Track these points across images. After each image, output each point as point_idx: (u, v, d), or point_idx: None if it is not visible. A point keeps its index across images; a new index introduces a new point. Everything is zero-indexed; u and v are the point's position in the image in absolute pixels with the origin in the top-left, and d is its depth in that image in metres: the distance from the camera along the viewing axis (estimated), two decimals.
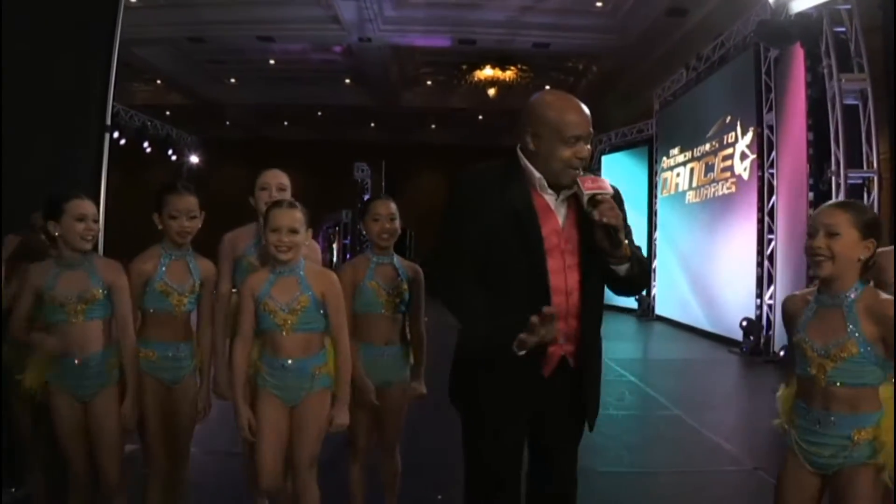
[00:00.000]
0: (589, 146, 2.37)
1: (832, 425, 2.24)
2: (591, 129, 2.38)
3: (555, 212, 2.38)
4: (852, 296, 2.24)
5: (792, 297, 2.49)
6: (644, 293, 15.10)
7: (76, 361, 2.93)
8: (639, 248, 2.44)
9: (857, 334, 2.20)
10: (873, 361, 2.20)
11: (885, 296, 2.24)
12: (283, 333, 2.87)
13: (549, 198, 2.39)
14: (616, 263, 2.30)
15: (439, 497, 3.98)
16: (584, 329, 2.39)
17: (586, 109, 2.38)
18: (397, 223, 3.36)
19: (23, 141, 3.62)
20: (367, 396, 3.21)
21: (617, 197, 2.40)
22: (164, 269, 3.06)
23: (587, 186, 2.25)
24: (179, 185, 3.23)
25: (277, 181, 3.31)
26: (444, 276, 2.45)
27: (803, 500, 2.33)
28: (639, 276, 2.40)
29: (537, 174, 2.36)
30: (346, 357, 2.98)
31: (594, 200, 2.23)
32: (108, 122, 3.78)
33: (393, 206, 3.37)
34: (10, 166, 3.55)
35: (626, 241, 2.29)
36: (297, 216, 2.87)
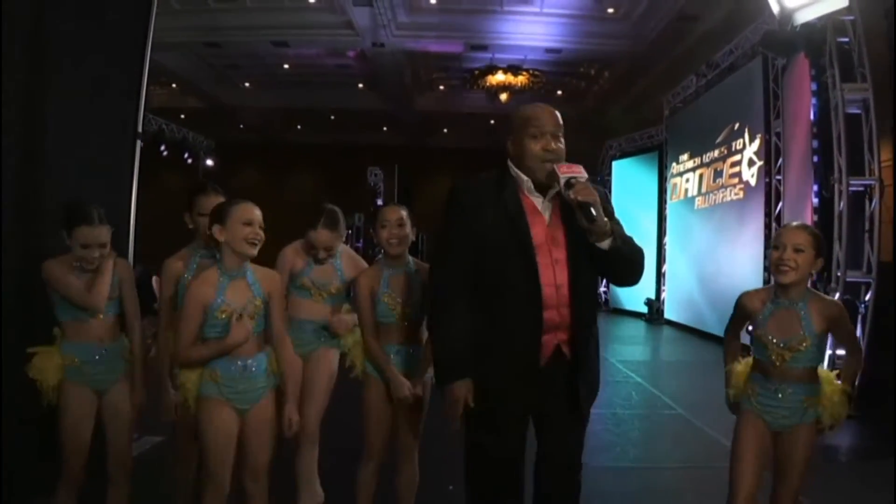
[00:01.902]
0: (559, 143, 2.60)
1: (789, 395, 2.88)
2: (559, 127, 2.62)
3: (542, 212, 2.62)
4: (804, 301, 2.87)
5: (750, 295, 3.03)
6: (653, 297, 15.24)
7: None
8: (631, 239, 2.63)
9: (811, 331, 2.84)
10: (820, 348, 2.90)
11: (827, 298, 2.97)
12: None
13: (537, 200, 2.64)
14: (597, 240, 2.48)
15: (451, 487, 4.08)
16: (575, 318, 2.59)
17: (553, 110, 2.66)
18: (407, 229, 3.31)
19: (56, 148, 3.75)
20: (402, 392, 3.19)
21: (605, 197, 2.66)
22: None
23: (562, 171, 2.50)
24: (209, 186, 3.41)
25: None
26: (437, 296, 2.67)
27: (759, 449, 2.93)
28: (628, 255, 2.58)
29: (524, 177, 2.62)
30: (292, 355, 3.10)
31: (569, 183, 2.47)
32: (140, 129, 3.94)
33: (402, 212, 3.32)
34: (43, 174, 3.69)
35: (606, 219, 2.48)
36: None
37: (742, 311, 3.05)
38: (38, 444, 3.46)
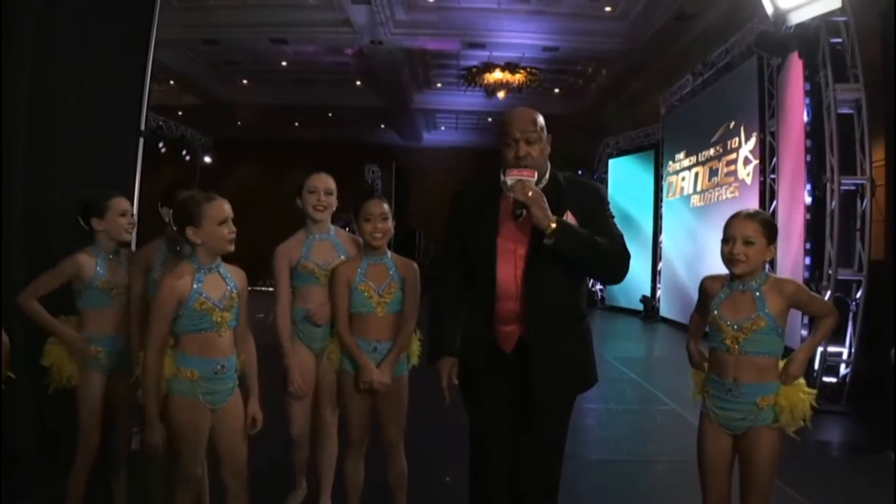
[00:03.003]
0: (530, 146, 2.74)
1: (741, 394, 2.76)
2: (532, 129, 2.75)
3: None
4: (759, 282, 2.79)
5: (711, 278, 2.98)
6: (649, 295, 15.31)
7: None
8: (619, 237, 2.79)
9: (765, 311, 2.74)
10: (777, 332, 2.76)
11: (783, 278, 2.89)
12: (221, 333, 2.89)
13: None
14: (547, 239, 2.62)
15: (447, 479, 4.16)
16: (531, 311, 2.75)
17: (529, 113, 2.80)
18: (390, 223, 3.38)
19: (60, 145, 3.81)
20: (368, 376, 3.26)
21: (597, 194, 2.90)
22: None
23: (510, 174, 2.69)
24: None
25: (325, 185, 3.64)
26: (435, 290, 2.98)
27: (719, 455, 2.83)
28: (581, 253, 2.70)
29: (503, 178, 2.77)
30: (254, 352, 3.10)
31: (511, 185, 2.66)
32: (143, 126, 3.99)
33: (385, 206, 3.39)
34: (48, 171, 3.75)
35: (550, 217, 2.61)
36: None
37: (703, 293, 2.98)
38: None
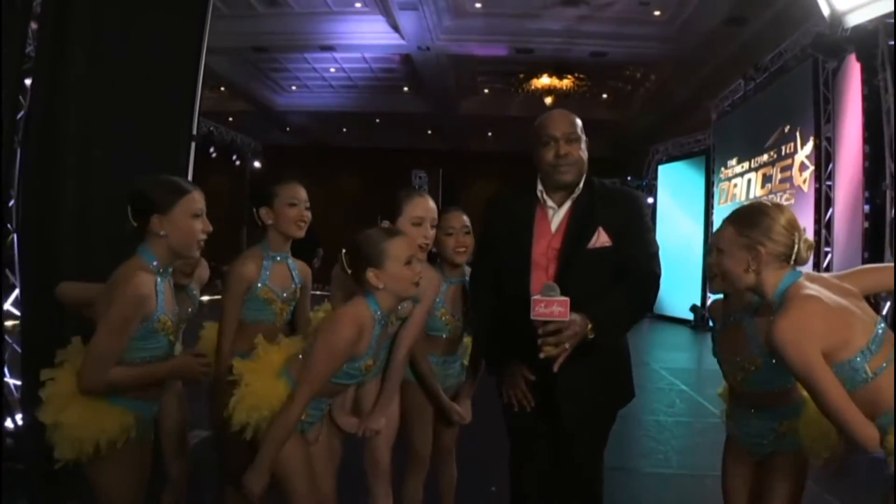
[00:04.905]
0: (571, 146, 2.64)
1: (758, 418, 2.52)
2: (571, 130, 2.65)
3: (550, 221, 2.71)
4: (751, 314, 2.47)
5: (716, 301, 2.74)
6: (699, 304, 15.04)
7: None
8: (653, 255, 2.67)
9: (759, 349, 2.41)
10: (776, 369, 2.35)
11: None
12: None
13: (550, 209, 2.72)
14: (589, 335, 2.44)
15: (493, 489, 4.13)
16: None
17: (567, 114, 2.71)
18: (471, 235, 3.11)
19: (111, 151, 3.87)
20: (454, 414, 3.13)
21: (633, 205, 2.75)
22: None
23: (537, 312, 2.35)
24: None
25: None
26: (472, 289, 2.99)
27: (742, 478, 2.59)
28: (621, 327, 2.63)
29: (539, 186, 2.72)
30: None
31: (542, 336, 2.37)
32: (194, 131, 4.04)
33: (466, 218, 3.14)
34: (101, 175, 3.81)
35: (588, 325, 2.40)
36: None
37: (714, 319, 2.76)
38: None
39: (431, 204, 2.95)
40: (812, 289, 2.00)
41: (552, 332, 2.35)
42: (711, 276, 2.33)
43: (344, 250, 2.47)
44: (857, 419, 1.89)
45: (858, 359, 1.91)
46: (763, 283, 2.11)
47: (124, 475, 2.40)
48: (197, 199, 2.41)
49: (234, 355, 2.62)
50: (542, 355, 2.38)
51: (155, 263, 2.36)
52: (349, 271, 2.44)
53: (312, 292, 3.21)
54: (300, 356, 2.45)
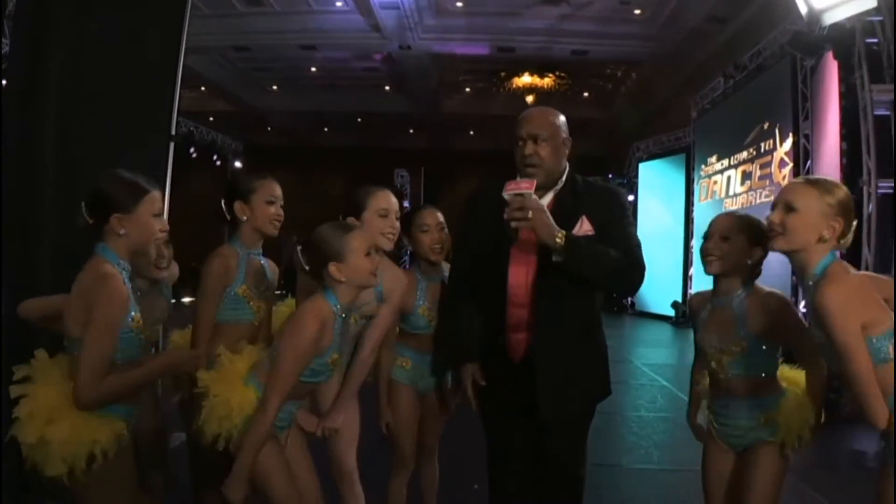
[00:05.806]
0: (537, 146, 2.65)
1: (738, 410, 2.53)
2: (540, 131, 2.66)
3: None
4: (741, 296, 2.52)
5: (696, 295, 2.78)
6: (680, 300, 15.13)
7: None
8: (635, 248, 2.67)
9: (745, 331, 2.47)
10: (764, 354, 2.49)
11: (768, 289, 2.54)
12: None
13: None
14: (555, 256, 2.50)
15: (475, 486, 4.13)
16: (538, 319, 2.65)
17: (544, 112, 2.74)
18: (446, 232, 3.16)
19: (89, 151, 3.83)
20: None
21: (615, 200, 2.79)
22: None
23: (508, 189, 2.51)
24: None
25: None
26: (448, 295, 2.99)
27: (721, 472, 2.62)
28: (591, 269, 2.57)
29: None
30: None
31: (509, 202, 2.49)
32: (173, 131, 4.00)
33: (440, 216, 3.18)
34: (80, 176, 3.76)
35: (557, 234, 2.46)
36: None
37: (690, 314, 2.76)
38: None
39: (393, 198, 3.00)
40: (852, 269, 2.16)
41: (518, 207, 2.45)
42: (708, 259, 2.52)
43: (300, 248, 2.49)
44: (876, 394, 1.99)
45: (885, 338, 2.03)
46: (812, 254, 2.18)
47: (119, 486, 2.31)
48: (158, 199, 2.38)
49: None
50: (505, 216, 2.47)
51: (120, 262, 2.30)
52: (307, 268, 2.47)
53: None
54: (266, 361, 2.44)
